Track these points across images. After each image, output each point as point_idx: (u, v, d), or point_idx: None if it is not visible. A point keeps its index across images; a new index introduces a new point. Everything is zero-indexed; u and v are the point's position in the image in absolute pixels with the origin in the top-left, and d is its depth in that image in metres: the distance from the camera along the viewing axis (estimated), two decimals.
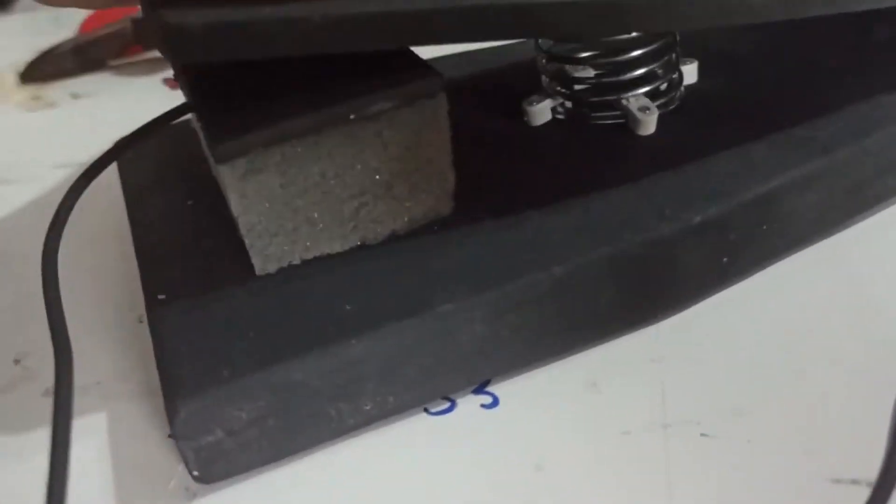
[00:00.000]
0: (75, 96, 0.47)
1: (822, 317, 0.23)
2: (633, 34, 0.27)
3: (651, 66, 0.28)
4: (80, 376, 0.25)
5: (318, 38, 0.20)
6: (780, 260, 0.26)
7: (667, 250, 0.23)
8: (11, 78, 0.50)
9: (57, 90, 0.48)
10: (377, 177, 0.23)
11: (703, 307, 0.24)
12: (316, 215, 0.23)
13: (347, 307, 0.21)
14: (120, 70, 0.49)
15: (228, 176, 0.22)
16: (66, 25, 0.54)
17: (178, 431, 0.19)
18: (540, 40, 0.30)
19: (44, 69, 0.49)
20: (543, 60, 0.30)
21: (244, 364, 0.20)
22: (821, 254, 0.26)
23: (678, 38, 0.29)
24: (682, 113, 0.28)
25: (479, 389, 0.23)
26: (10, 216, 0.35)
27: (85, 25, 0.52)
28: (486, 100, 0.31)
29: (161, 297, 0.23)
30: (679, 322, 0.24)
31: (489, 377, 0.23)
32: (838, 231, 0.26)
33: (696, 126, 0.28)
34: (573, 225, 0.23)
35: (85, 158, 0.38)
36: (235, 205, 0.22)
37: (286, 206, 0.23)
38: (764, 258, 0.25)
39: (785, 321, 0.23)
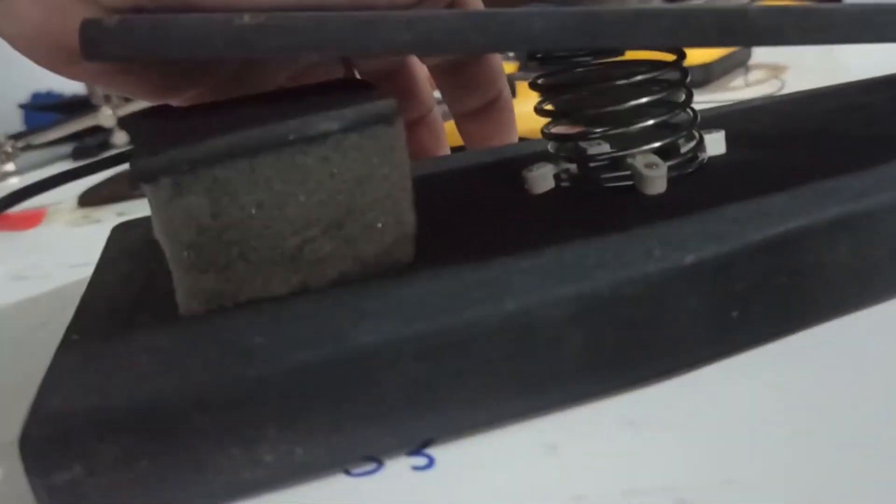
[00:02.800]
0: (121, 214, 0.47)
1: (851, 401, 0.18)
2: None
3: (659, 118, 0.25)
4: None
5: (248, 40, 0.18)
6: (812, 326, 0.21)
7: (654, 296, 0.19)
8: (71, 204, 0.51)
9: (107, 211, 0.49)
10: (324, 211, 0.21)
11: (704, 374, 0.20)
12: (252, 250, 0.20)
13: (258, 340, 0.18)
14: None
15: (153, 197, 0.20)
16: None
17: (29, 464, 0.16)
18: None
19: (100, 194, 0.50)
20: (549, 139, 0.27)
21: (117, 391, 0.17)
22: (862, 323, 0.21)
23: (698, 114, 0.26)
24: (699, 177, 0.25)
25: (416, 452, 0.18)
26: (14, 308, 0.34)
27: None
28: (488, 171, 0.29)
29: (75, 336, 0.21)
30: (670, 388, 0.19)
31: (425, 437, 0.19)
32: (884, 300, 0.22)
33: (712, 188, 0.24)
34: (544, 266, 0.20)
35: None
36: (160, 231, 0.20)
37: (218, 239, 0.20)
38: (788, 319, 0.21)
39: (806, 396, 0.19)
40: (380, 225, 0.21)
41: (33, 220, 0.49)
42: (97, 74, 0.25)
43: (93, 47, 0.19)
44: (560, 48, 0.26)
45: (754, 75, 0.56)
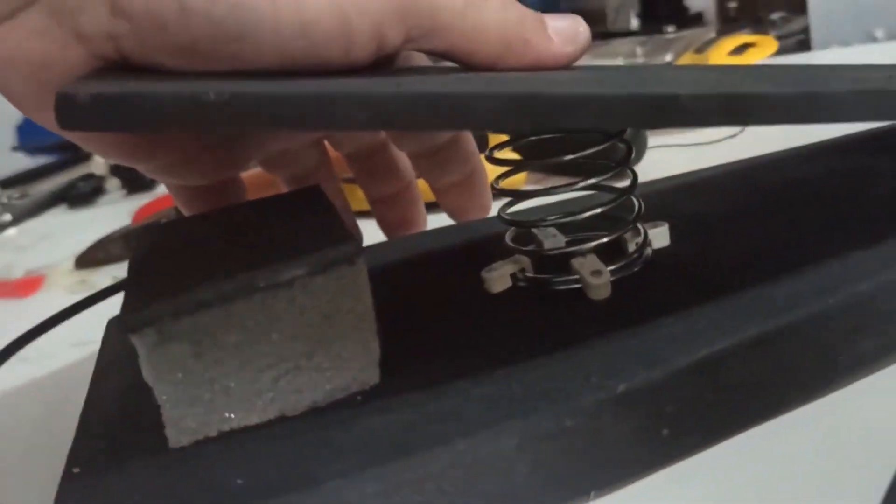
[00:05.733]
0: (116, 278, 0.49)
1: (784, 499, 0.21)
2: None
3: (602, 228, 0.27)
4: None
5: (213, 116, 0.19)
6: (742, 432, 0.23)
7: (591, 423, 0.21)
8: (68, 266, 0.54)
9: (103, 274, 0.51)
10: (295, 346, 0.23)
11: (637, 488, 0.22)
12: (232, 385, 0.23)
13: (239, 481, 0.21)
14: None
15: (139, 346, 0.22)
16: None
17: None
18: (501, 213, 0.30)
19: (96, 256, 0.53)
20: (505, 224, 0.29)
21: None
22: (793, 422, 0.23)
23: (641, 204, 0.28)
24: (643, 277, 0.27)
25: None
26: (17, 393, 0.36)
27: (137, 216, 0.55)
28: (449, 270, 0.31)
29: (76, 470, 0.23)
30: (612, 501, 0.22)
31: None
32: (808, 401, 0.24)
33: (653, 291, 0.26)
34: (493, 395, 0.22)
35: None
36: (148, 375, 0.22)
37: (201, 377, 0.22)
38: (716, 431, 0.23)
39: (738, 499, 0.21)
40: (347, 354, 0.23)
41: (32, 286, 0.51)
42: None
43: (67, 119, 0.19)
44: (505, 129, 0.28)
45: None
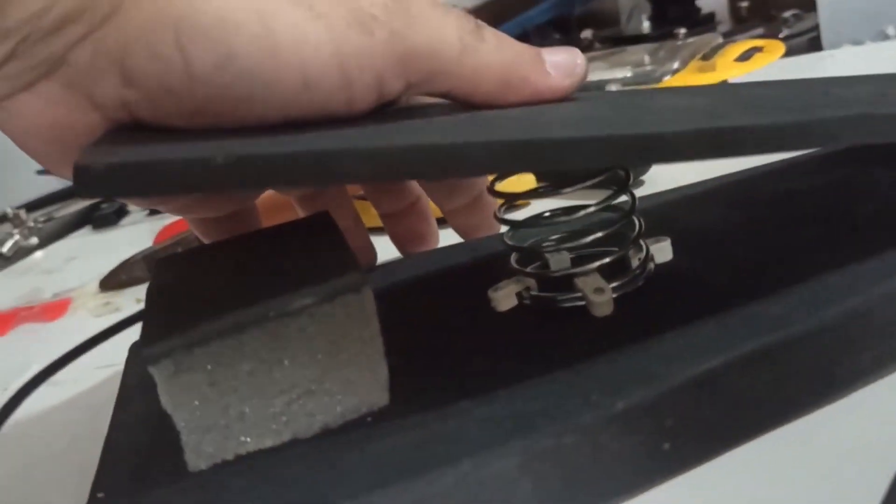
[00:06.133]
0: (139, 301, 0.51)
1: None
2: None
3: (603, 245, 0.28)
4: None
5: (222, 179, 0.20)
6: (742, 443, 0.24)
7: (590, 440, 0.22)
8: (93, 287, 0.55)
9: (127, 297, 0.52)
10: (306, 371, 0.24)
11: (650, 497, 0.23)
12: (247, 410, 0.24)
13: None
14: None
15: (157, 377, 0.23)
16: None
17: None
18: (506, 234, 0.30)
19: (119, 278, 0.54)
20: (510, 243, 0.30)
21: None
22: (793, 433, 0.24)
23: (642, 223, 0.29)
24: (646, 293, 0.28)
25: None
26: (46, 416, 0.37)
27: (158, 236, 0.57)
28: (457, 289, 0.32)
29: (100, 495, 0.24)
30: None
31: None
32: (806, 413, 0.24)
33: (655, 307, 0.27)
34: (496, 415, 0.23)
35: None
36: (166, 403, 0.23)
37: (217, 404, 0.23)
38: (716, 444, 0.23)
39: None
40: (356, 378, 0.24)
41: (59, 309, 0.52)
42: None
43: (85, 187, 0.20)
44: (501, 172, 0.29)
45: None
